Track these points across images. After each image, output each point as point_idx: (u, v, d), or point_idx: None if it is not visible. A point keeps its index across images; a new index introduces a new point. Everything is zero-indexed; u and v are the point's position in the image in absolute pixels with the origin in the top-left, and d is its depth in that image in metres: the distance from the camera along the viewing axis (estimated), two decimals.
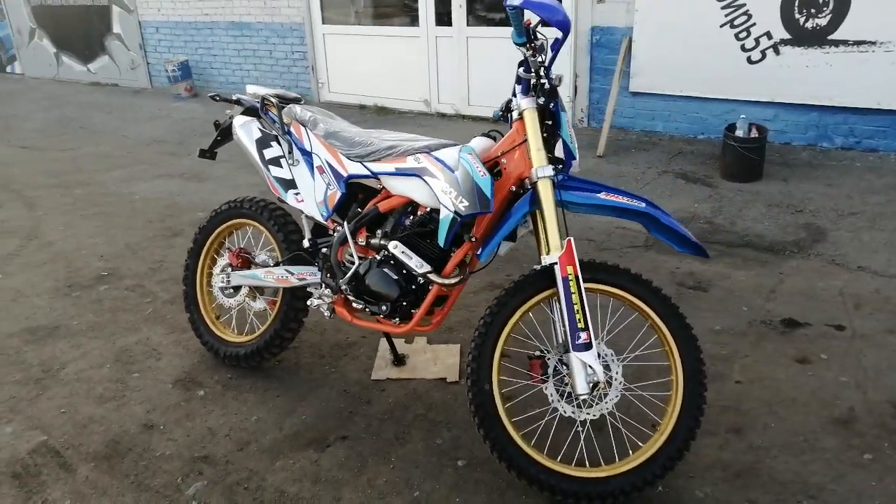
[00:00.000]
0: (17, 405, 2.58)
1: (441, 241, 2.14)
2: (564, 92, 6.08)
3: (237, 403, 2.55)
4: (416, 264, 2.22)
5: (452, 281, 2.22)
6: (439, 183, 2.18)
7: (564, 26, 1.97)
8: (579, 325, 1.96)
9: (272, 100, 2.63)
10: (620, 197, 2.13)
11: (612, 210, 2.15)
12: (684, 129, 5.74)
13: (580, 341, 1.96)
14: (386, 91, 7.28)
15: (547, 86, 2.12)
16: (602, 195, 2.13)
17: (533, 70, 2.10)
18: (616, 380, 2.10)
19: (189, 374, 2.73)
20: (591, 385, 1.99)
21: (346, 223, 2.41)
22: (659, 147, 5.64)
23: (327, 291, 2.46)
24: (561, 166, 2.18)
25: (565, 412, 2.06)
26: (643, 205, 2.12)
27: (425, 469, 2.20)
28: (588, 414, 2.07)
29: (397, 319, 2.36)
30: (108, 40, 9.61)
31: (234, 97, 2.69)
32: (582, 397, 2.00)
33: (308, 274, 2.52)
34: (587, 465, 2.10)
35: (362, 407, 2.51)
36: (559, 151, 2.20)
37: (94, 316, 3.24)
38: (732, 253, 3.67)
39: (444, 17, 6.59)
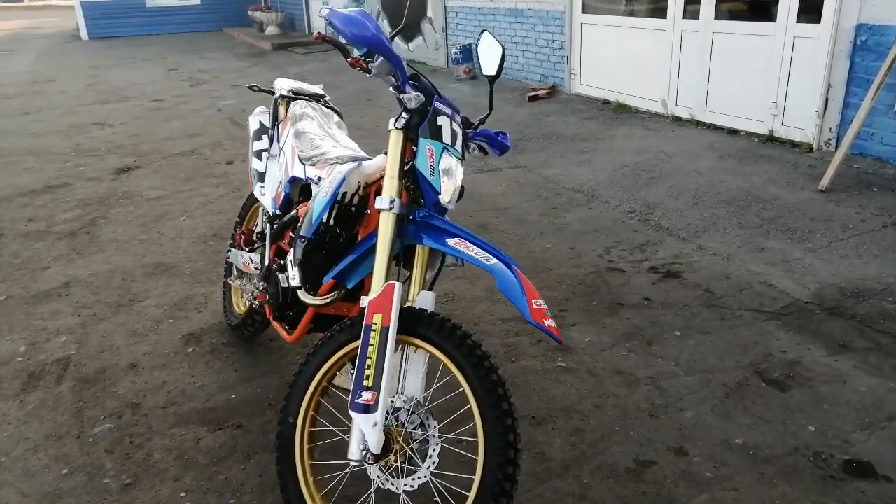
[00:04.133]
0: (85, 322, 3.23)
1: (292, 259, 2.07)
2: (812, 105, 4.92)
3: (202, 367, 2.81)
4: (290, 276, 2.16)
5: (315, 301, 2.11)
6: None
7: (371, 44, 1.72)
8: (364, 383, 1.73)
9: (284, 94, 2.74)
10: (472, 248, 1.80)
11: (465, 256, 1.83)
12: None
13: (360, 400, 1.73)
14: (628, 88, 6.75)
15: (409, 104, 1.87)
16: (452, 241, 1.83)
17: (392, 88, 1.87)
18: (431, 458, 1.80)
19: (199, 332, 3.09)
20: (363, 452, 1.75)
21: (268, 223, 2.44)
22: None
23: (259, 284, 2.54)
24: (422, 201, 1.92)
25: (369, 473, 1.84)
26: (493, 262, 1.76)
27: (265, 483, 2.17)
28: (383, 480, 1.81)
29: (288, 326, 2.34)
30: (423, 22, 10.65)
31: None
32: (352, 464, 1.77)
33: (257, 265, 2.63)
34: None
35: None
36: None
37: (203, 265, 3.82)
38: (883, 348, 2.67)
39: (692, 8, 5.81)
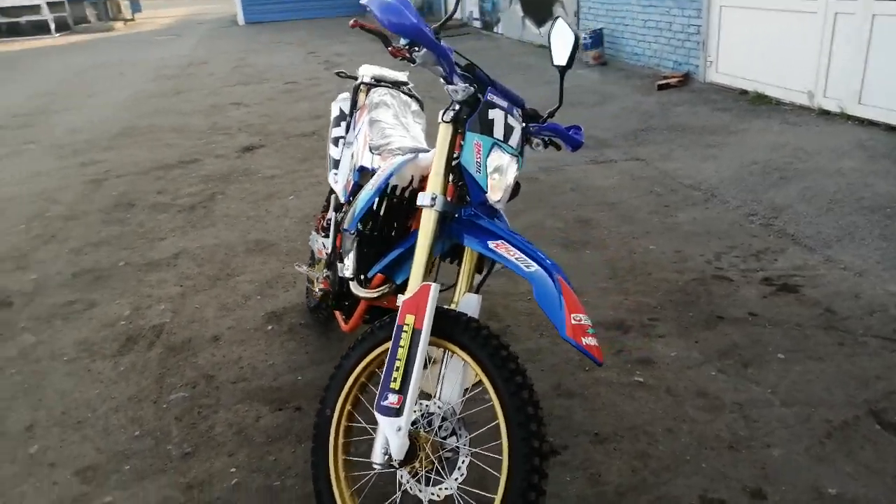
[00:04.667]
0: (185, 293, 3.41)
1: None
2: None
3: (277, 346, 2.87)
4: (344, 267, 2.12)
5: (365, 294, 2.06)
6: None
7: (409, 33, 1.62)
8: (391, 385, 1.66)
9: (365, 81, 2.71)
10: (513, 252, 1.68)
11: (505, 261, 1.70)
12: None
13: (385, 402, 1.66)
14: (769, 77, 6.15)
15: (455, 96, 1.76)
16: (493, 244, 1.71)
17: (441, 78, 1.77)
18: (459, 469, 1.71)
19: (281, 311, 3.16)
20: (386, 456, 1.68)
21: (334, 211, 2.42)
22: None
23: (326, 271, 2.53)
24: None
25: (399, 476, 1.77)
26: (533, 269, 1.63)
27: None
28: (411, 486, 1.74)
29: (345, 316, 2.31)
30: (555, 7, 10.34)
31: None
32: (375, 466, 1.70)
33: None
34: None
35: None
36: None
37: (301, 244, 3.92)
38: None
39: None
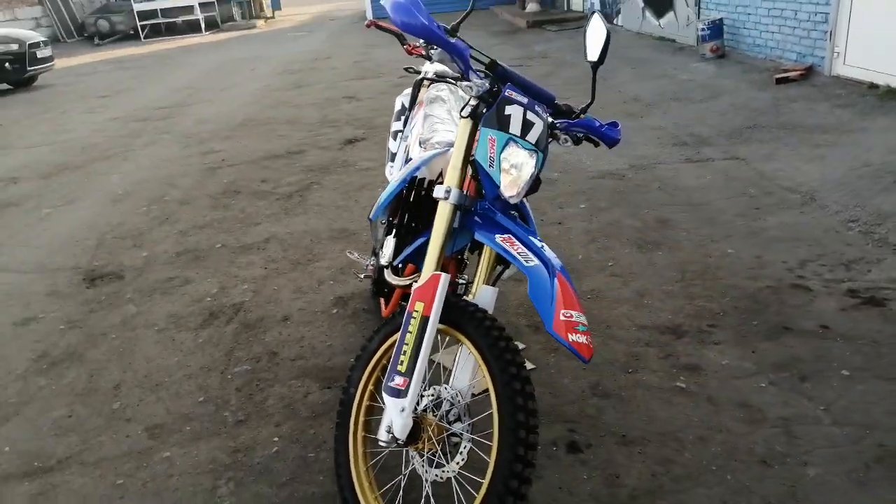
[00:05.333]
0: (268, 275, 3.69)
1: None
2: None
3: (338, 329, 3.05)
4: (382, 254, 2.24)
5: (397, 282, 2.16)
6: None
7: (418, 32, 1.69)
8: (398, 368, 1.76)
9: (427, 76, 2.81)
10: (517, 247, 1.73)
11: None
12: None
13: (392, 384, 1.76)
14: None
15: (468, 92, 1.82)
16: (500, 238, 1.77)
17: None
18: (461, 454, 1.78)
19: (348, 296, 3.34)
20: (389, 435, 1.78)
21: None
22: None
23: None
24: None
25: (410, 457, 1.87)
26: (532, 265, 1.67)
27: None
28: (418, 465, 1.83)
29: (385, 302, 2.43)
30: None
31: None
32: (380, 443, 1.81)
33: None
34: None
35: None
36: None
37: None
38: None
39: None
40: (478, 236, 1.85)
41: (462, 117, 1.88)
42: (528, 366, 2.62)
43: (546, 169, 4.94)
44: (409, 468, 1.87)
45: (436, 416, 1.82)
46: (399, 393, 1.74)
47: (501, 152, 1.79)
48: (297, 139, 6.53)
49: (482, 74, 1.87)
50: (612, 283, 3.24)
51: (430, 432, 1.80)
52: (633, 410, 2.35)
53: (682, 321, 2.88)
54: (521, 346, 2.77)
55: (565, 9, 15.33)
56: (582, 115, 2.07)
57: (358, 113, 7.45)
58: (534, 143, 1.84)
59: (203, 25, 20.53)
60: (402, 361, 1.75)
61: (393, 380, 1.76)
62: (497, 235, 1.79)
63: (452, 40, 1.80)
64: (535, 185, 1.92)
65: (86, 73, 13.19)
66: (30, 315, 3.44)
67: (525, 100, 1.85)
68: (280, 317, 3.21)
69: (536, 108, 1.87)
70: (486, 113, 1.82)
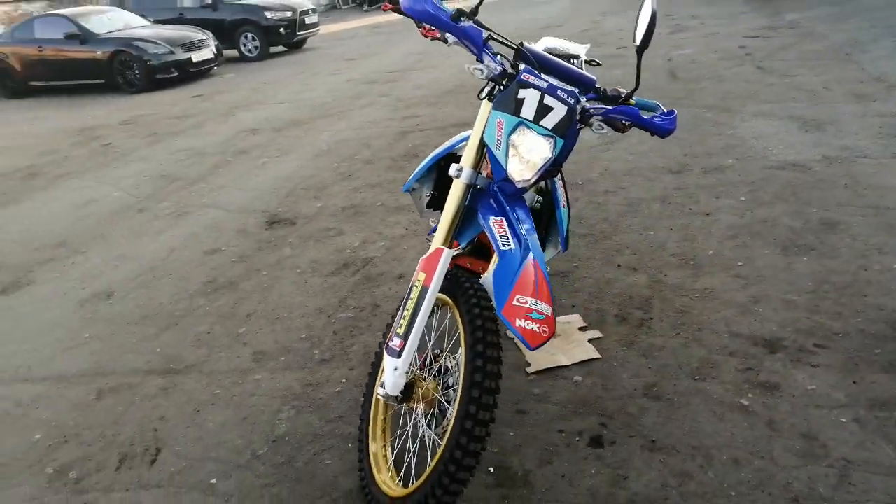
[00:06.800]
0: (412, 235, 3.99)
1: None
2: None
3: None
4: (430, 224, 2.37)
5: None
6: None
7: (423, 17, 1.76)
8: (398, 330, 1.92)
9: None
10: (503, 230, 1.80)
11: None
12: None
13: (391, 344, 1.93)
14: None
15: (477, 74, 1.87)
16: (493, 219, 1.84)
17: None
18: (447, 420, 1.90)
19: None
20: (384, 390, 1.95)
21: None
22: None
23: None
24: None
25: (415, 421, 2.02)
26: (506, 248, 1.74)
27: None
28: (423, 429, 1.98)
29: None
30: None
31: None
32: (378, 395, 1.98)
33: None
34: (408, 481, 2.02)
35: None
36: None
37: None
38: None
39: None
40: (479, 215, 1.91)
41: (479, 99, 1.92)
42: (593, 355, 2.58)
43: (721, 155, 4.59)
44: (411, 423, 2.02)
45: (437, 381, 1.94)
46: (395, 353, 1.89)
47: (510, 135, 1.82)
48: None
49: (500, 57, 1.89)
50: (730, 285, 2.99)
51: (420, 394, 1.93)
52: (677, 418, 2.23)
53: (785, 335, 2.59)
54: (597, 334, 2.73)
55: None
56: (631, 102, 1.99)
57: None
58: (550, 128, 1.83)
59: None
60: (401, 325, 1.90)
61: (392, 340, 1.91)
62: (492, 217, 1.84)
63: (463, 24, 1.85)
64: (553, 170, 1.91)
65: (345, 38, 14.73)
66: (217, 247, 4.16)
67: (544, 84, 1.84)
68: (396, 274, 3.49)
69: (560, 92, 1.85)
70: (499, 96, 1.85)
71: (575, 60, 2.85)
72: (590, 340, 2.70)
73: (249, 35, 13.25)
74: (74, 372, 2.95)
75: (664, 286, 3.04)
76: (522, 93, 1.82)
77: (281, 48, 14.08)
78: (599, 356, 2.59)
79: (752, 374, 2.39)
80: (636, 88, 1.92)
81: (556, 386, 2.46)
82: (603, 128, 1.95)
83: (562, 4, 15.94)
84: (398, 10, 2.11)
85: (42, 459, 2.42)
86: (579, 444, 2.17)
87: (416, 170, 2.30)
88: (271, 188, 5.17)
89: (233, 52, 13.44)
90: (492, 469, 2.11)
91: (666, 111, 1.98)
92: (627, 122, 1.95)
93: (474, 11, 1.90)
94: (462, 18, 1.88)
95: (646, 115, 1.95)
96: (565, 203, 2.25)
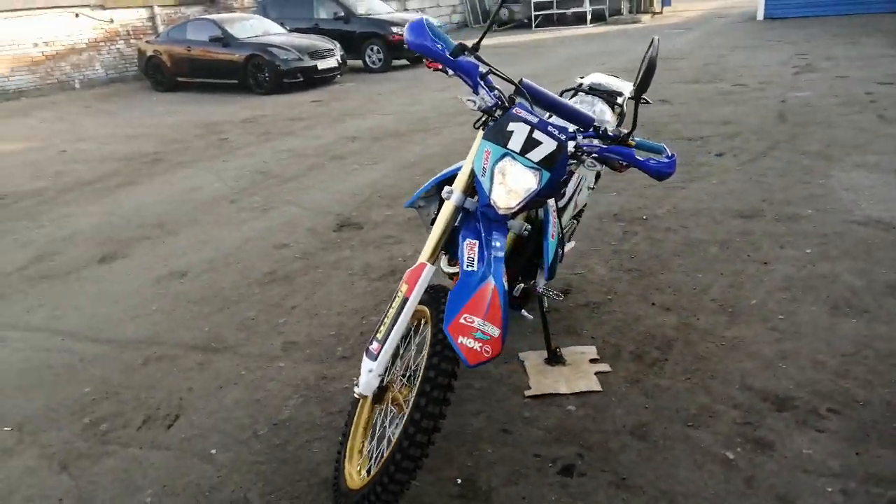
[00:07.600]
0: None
1: None
2: None
3: None
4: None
5: (448, 269, 2.42)
6: None
7: (422, 51, 1.89)
8: (377, 336, 2.05)
9: (573, 88, 2.89)
10: (473, 253, 1.90)
11: None
12: None
13: (370, 347, 2.06)
14: None
15: (469, 105, 1.98)
16: (467, 242, 1.94)
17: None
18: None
19: None
20: (358, 389, 2.08)
21: None
22: None
23: None
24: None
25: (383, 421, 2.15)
26: (469, 270, 1.84)
27: None
28: (388, 429, 2.10)
29: None
30: None
31: None
32: (354, 392, 2.11)
33: None
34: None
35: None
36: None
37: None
38: None
39: None
40: (459, 236, 2.00)
41: (474, 128, 2.02)
42: (594, 388, 2.59)
43: (801, 204, 4.40)
44: (380, 424, 2.13)
45: (410, 387, 2.06)
46: (373, 356, 2.02)
47: (495, 165, 1.91)
48: None
49: (496, 92, 1.98)
50: (762, 337, 2.88)
51: (391, 397, 2.05)
52: (655, 460, 2.20)
53: (801, 396, 2.47)
54: (606, 368, 2.72)
55: None
56: (630, 143, 2.02)
57: (659, 118, 7.29)
58: (536, 161, 1.90)
59: (589, 17, 21.44)
60: (380, 331, 2.03)
61: (372, 344, 2.05)
62: (468, 240, 1.93)
63: (464, 58, 1.96)
64: (541, 200, 1.97)
65: None
66: (287, 242, 4.47)
67: (535, 119, 1.92)
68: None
69: (550, 128, 1.92)
70: (490, 127, 1.95)
71: (619, 98, 2.88)
72: (597, 373, 2.70)
73: (375, 47, 13.90)
74: (133, 338, 3.30)
75: (692, 330, 2.97)
76: (512, 126, 1.91)
77: (404, 61, 14.65)
78: (600, 389, 2.59)
79: (749, 429, 2.31)
80: (633, 129, 1.96)
81: (548, 412, 2.49)
82: (595, 165, 2.00)
83: (691, 37, 15.51)
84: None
85: (84, 409, 2.75)
86: (550, 470, 2.20)
87: (420, 188, 2.43)
88: (351, 193, 5.46)
89: (357, 63, 14.15)
90: (459, 481, 2.18)
91: (669, 154, 2.00)
92: (624, 163, 1.99)
93: (475, 46, 2.01)
94: (465, 53, 2.00)
95: (641, 157, 1.98)
96: (554, 234, 2.29)
